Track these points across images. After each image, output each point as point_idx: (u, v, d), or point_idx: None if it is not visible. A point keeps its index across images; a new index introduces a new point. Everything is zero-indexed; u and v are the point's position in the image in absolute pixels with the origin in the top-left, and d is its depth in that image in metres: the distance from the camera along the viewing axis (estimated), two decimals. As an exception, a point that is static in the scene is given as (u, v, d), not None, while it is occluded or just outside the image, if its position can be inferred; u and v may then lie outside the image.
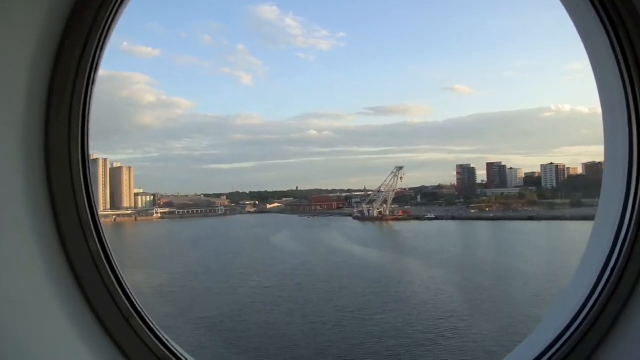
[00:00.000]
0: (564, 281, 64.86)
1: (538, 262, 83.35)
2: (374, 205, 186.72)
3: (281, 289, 65.60)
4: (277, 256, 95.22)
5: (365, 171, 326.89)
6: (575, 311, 3.67)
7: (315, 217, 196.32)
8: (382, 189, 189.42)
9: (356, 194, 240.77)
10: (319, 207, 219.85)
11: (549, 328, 3.95)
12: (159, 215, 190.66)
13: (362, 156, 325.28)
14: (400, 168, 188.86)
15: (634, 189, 3.56)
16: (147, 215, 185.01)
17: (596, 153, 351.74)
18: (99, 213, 3.76)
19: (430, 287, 65.72)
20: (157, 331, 3.74)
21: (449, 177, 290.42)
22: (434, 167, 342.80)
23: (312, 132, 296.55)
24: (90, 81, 3.48)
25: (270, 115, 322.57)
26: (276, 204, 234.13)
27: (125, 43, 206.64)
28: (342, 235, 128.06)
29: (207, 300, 60.23)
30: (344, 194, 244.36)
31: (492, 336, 45.58)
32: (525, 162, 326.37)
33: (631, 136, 3.58)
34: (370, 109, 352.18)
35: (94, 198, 3.62)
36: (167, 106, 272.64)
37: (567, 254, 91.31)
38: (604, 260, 3.65)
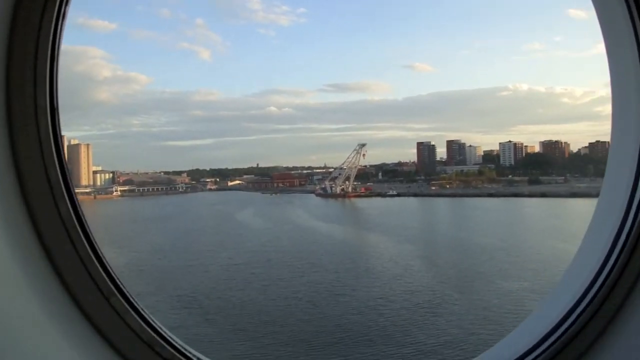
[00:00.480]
0: (527, 255, 67.06)
1: (501, 237, 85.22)
2: (337, 182, 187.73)
3: (253, 266, 65.57)
4: (244, 233, 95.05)
5: (326, 148, 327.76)
6: (573, 303, 3.47)
7: (278, 194, 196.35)
8: (345, 165, 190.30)
9: (317, 171, 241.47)
10: (280, 184, 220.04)
11: (543, 318, 3.73)
12: (119, 193, 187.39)
13: (322, 133, 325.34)
14: (363, 145, 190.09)
15: None
16: (107, 194, 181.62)
17: (552, 131, 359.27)
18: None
19: (400, 263, 66.67)
20: (141, 311, 3.37)
21: (409, 155, 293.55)
22: (393, 145, 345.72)
23: (272, 108, 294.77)
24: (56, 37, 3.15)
25: (230, 91, 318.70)
26: (237, 182, 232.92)
27: (81, 17, 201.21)
28: (306, 212, 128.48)
29: (179, 278, 59.72)
30: (304, 171, 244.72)
31: (465, 309, 46.66)
32: (483, 140, 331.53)
33: None
34: (331, 86, 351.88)
35: (64, 156, 3.22)
36: (123, 81, 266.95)
37: (527, 229, 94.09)
38: (606, 250, 3.44)
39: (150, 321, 3.37)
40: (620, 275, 3.34)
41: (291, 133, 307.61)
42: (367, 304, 48.38)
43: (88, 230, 3.27)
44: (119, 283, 3.34)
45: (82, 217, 3.25)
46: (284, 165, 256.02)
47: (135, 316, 3.30)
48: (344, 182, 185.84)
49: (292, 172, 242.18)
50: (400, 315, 44.83)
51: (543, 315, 3.84)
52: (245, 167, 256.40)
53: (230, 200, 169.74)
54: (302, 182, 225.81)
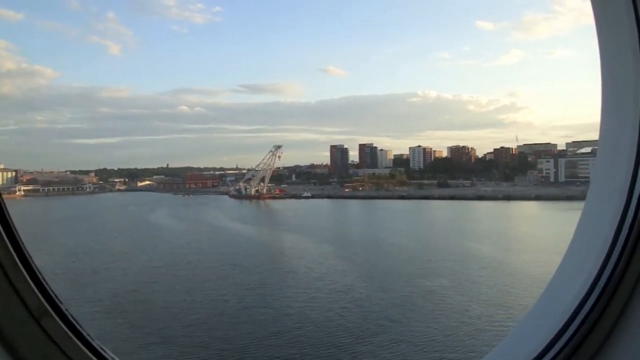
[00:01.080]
0: (443, 254, 69.42)
1: (416, 237, 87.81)
2: (251, 183, 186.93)
3: (174, 268, 64.01)
4: (160, 235, 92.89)
5: (238, 149, 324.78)
6: (565, 320, 3.18)
7: (190, 196, 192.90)
8: (260, 167, 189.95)
9: (229, 172, 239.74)
10: (193, 185, 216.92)
11: (529, 339, 3.45)
12: (22, 193, 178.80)
13: (235, 134, 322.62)
14: (279, 147, 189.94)
15: None
16: (9, 193, 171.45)
17: (459, 137, 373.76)
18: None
19: (323, 263, 67.27)
20: (84, 334, 2.63)
21: (321, 157, 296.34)
22: (306, 147, 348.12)
23: (184, 107, 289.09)
24: None
25: (140, 88, 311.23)
26: (147, 182, 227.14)
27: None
28: (223, 214, 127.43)
29: (97, 282, 57.45)
30: (217, 172, 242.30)
31: (390, 306, 47.68)
32: (393, 144, 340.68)
33: None
34: (244, 87, 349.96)
35: None
36: (28, 75, 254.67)
37: (440, 230, 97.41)
38: (599, 263, 3.17)
39: (97, 347, 2.65)
40: (618, 283, 3.09)
41: (203, 133, 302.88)
42: (294, 304, 48.45)
43: (15, 233, 2.50)
44: (54, 298, 2.58)
45: (7, 214, 2.48)
46: (195, 166, 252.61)
47: (76, 341, 2.57)
48: (258, 183, 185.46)
49: (204, 173, 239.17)
50: (329, 316, 45.22)
51: (532, 329, 3.57)
52: (155, 167, 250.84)
53: (141, 201, 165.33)
54: (215, 183, 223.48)
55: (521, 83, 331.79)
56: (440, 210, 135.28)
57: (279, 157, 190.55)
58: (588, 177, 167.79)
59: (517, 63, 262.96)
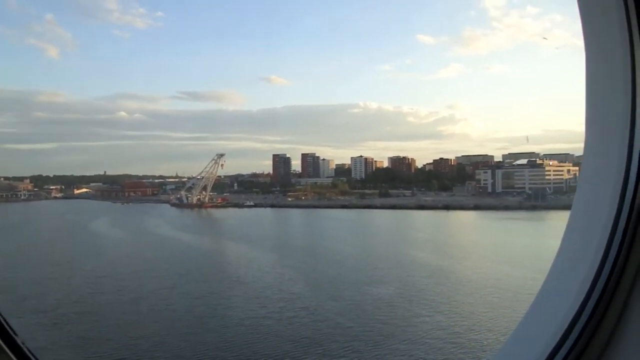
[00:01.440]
0: (389, 262, 70.60)
1: (360, 246, 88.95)
2: (193, 192, 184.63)
3: (118, 278, 62.69)
4: (102, 244, 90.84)
5: (178, 157, 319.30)
6: (566, 325, 3.15)
7: (130, 204, 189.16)
8: (202, 175, 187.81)
9: (169, 180, 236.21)
10: (132, 194, 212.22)
11: (530, 344, 3.45)
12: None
13: (175, 142, 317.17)
14: (222, 155, 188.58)
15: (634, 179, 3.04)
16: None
17: (399, 148, 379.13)
18: None
19: (270, 272, 67.38)
20: (24, 350, 2.38)
21: (263, 166, 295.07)
22: (248, 156, 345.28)
23: (123, 113, 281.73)
24: None
25: (78, 93, 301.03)
26: (85, 189, 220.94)
27: None
28: (165, 223, 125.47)
29: (39, 293, 55.61)
30: (156, 180, 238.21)
31: (341, 313, 48.24)
32: (335, 154, 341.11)
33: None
34: (186, 94, 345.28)
35: None
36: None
37: (384, 238, 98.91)
38: (594, 268, 3.13)
39: None
40: (616, 286, 3.04)
41: (142, 140, 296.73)
42: (244, 314, 48.37)
43: None
44: (8, 331, 2.33)
45: None
46: (134, 174, 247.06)
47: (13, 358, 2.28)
48: (200, 192, 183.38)
49: (143, 180, 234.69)
50: (281, 324, 45.41)
51: (532, 335, 3.53)
52: (93, 174, 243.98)
53: (80, 209, 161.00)
54: (155, 192, 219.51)
55: (460, 96, 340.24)
56: (383, 220, 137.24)
57: (222, 165, 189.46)
58: (524, 188, 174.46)
59: (456, 76, 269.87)
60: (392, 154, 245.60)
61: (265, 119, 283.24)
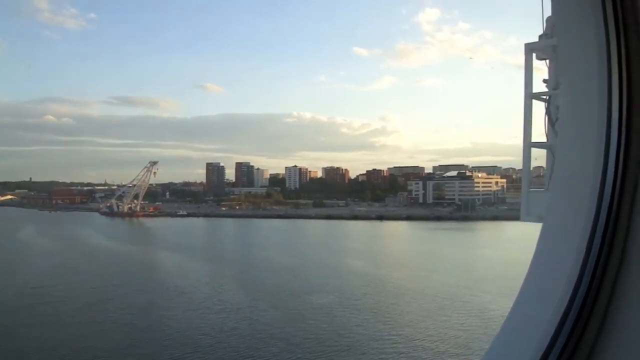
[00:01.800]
0: (327, 272, 71.66)
1: (298, 256, 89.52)
2: (124, 200, 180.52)
3: (53, 289, 60.81)
4: (31, 254, 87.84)
5: (108, 164, 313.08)
6: (549, 339, 3.04)
7: (58, 212, 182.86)
8: (134, 183, 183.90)
9: (99, 188, 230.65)
10: (60, 202, 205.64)
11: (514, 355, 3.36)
12: None
13: (105, 148, 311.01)
14: (155, 163, 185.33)
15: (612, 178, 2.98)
16: None
17: (333, 159, 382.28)
18: None
19: (209, 282, 67.04)
20: None
21: (195, 175, 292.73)
22: (180, 164, 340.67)
23: (50, 117, 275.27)
24: None
25: (3, 95, 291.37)
26: (9, 197, 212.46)
27: None
28: (97, 232, 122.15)
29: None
30: (85, 188, 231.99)
31: (284, 322, 48.69)
32: (268, 163, 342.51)
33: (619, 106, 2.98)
34: (117, 99, 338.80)
35: None
36: None
37: (319, 248, 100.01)
38: (576, 273, 3.02)
39: None
40: (596, 295, 2.93)
41: (71, 146, 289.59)
42: (186, 326, 47.98)
43: None
44: None
45: None
46: (62, 181, 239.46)
47: None
48: (132, 200, 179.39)
49: (72, 188, 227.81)
50: (225, 335, 45.37)
51: (512, 351, 3.40)
52: (17, 180, 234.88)
53: (3, 217, 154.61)
54: (84, 200, 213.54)
55: (392, 108, 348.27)
56: (318, 229, 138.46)
57: (155, 173, 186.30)
58: (454, 199, 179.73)
59: (389, 89, 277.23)
60: (326, 164, 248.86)
61: (199, 127, 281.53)
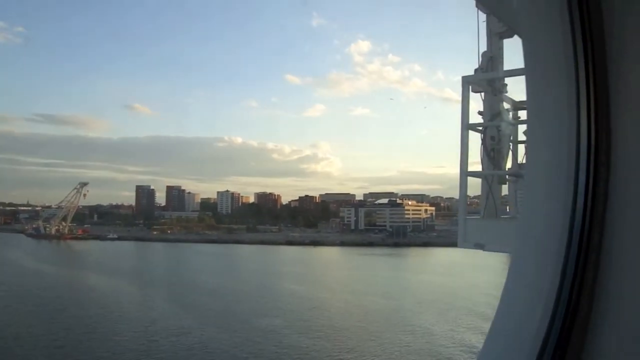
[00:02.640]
0: (270, 296, 72.61)
1: (238, 279, 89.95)
2: (52, 222, 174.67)
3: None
4: None
5: (32, 184, 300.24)
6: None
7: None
8: (63, 204, 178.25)
9: (22, 209, 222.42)
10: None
11: None
12: None
13: (28, 167, 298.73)
14: (85, 184, 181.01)
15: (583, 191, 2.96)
16: None
17: (263, 184, 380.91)
18: None
19: (153, 307, 66.57)
20: None
21: (121, 197, 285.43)
22: (106, 186, 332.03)
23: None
24: None
25: None
26: None
27: None
28: (26, 255, 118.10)
29: None
30: (7, 208, 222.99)
31: (234, 345, 49.31)
32: (198, 187, 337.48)
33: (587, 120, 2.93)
34: (42, 116, 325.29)
35: None
36: None
37: (257, 272, 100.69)
38: (555, 290, 2.99)
39: None
40: (576, 311, 2.93)
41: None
42: (137, 349, 47.87)
43: None
44: None
45: None
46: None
47: None
48: (60, 222, 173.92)
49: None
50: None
51: None
52: None
53: None
54: (8, 221, 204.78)
55: (323, 136, 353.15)
56: (254, 254, 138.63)
57: (84, 195, 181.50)
58: (385, 225, 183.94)
59: (320, 117, 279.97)
60: (256, 189, 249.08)
61: (126, 148, 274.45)
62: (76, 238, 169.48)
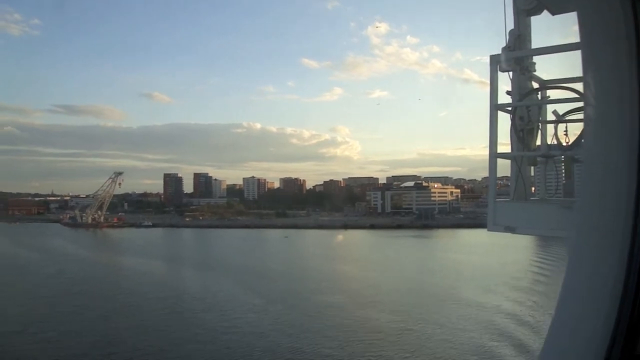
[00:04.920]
0: (327, 276, 74.65)
1: (291, 263, 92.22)
2: (87, 211, 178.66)
3: (76, 298, 59.77)
4: (21, 265, 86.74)
5: (52, 174, 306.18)
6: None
7: (17, 223, 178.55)
8: (99, 193, 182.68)
9: (50, 199, 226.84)
10: (17, 212, 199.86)
11: None
12: None
13: (49, 157, 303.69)
14: (120, 173, 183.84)
15: None
16: None
17: (282, 169, 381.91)
18: None
19: (240, 293, 65.48)
20: None
21: (142, 185, 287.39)
22: (126, 174, 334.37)
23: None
24: None
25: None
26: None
27: None
28: (72, 243, 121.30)
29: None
30: (36, 199, 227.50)
31: (308, 319, 51.08)
32: (217, 173, 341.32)
33: None
34: (61, 107, 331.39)
35: None
36: None
37: (307, 256, 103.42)
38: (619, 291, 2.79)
39: None
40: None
41: (12, 155, 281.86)
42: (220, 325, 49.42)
43: None
44: None
45: None
46: (4, 191, 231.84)
47: None
48: (96, 211, 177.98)
49: (27, 199, 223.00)
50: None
51: None
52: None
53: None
54: (41, 210, 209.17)
55: (341, 120, 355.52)
56: (294, 238, 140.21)
57: (120, 184, 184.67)
58: (410, 208, 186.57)
59: (338, 100, 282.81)
60: (278, 175, 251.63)
61: (145, 136, 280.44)
62: (112, 226, 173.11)
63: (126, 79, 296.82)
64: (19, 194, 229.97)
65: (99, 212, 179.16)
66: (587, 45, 3.18)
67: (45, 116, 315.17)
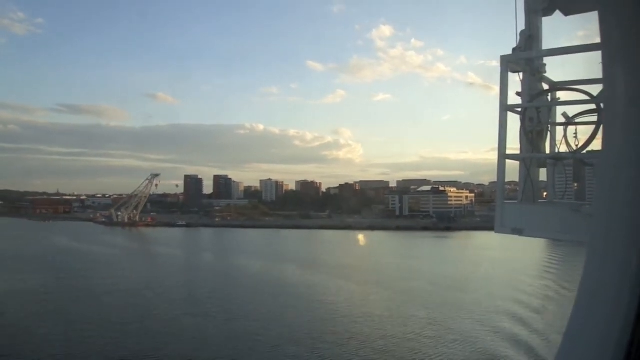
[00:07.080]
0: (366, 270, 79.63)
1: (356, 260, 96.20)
2: (123, 211, 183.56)
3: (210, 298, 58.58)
4: (100, 260, 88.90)
5: (55, 173, 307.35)
6: None
7: (50, 222, 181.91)
8: (136, 193, 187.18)
9: (66, 198, 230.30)
10: (44, 211, 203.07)
11: None
12: None
13: (51, 156, 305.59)
14: (156, 175, 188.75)
15: None
16: None
17: (284, 171, 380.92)
18: None
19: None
20: None
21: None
22: (129, 174, 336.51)
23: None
24: None
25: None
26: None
27: None
28: (133, 242, 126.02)
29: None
30: (58, 198, 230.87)
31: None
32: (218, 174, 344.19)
33: None
34: (65, 106, 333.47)
35: None
36: None
37: (348, 255, 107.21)
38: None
39: None
40: None
41: (15, 154, 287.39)
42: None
43: None
44: None
45: None
46: (15, 189, 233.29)
47: None
48: (132, 211, 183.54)
49: (52, 197, 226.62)
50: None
51: None
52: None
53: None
54: (67, 210, 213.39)
55: (344, 122, 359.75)
56: (328, 237, 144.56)
57: (156, 185, 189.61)
58: (427, 211, 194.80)
59: (341, 103, 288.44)
60: (285, 177, 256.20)
61: (148, 136, 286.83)
62: (147, 225, 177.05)
63: (130, 80, 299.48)
64: (26, 192, 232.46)
65: (134, 212, 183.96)
66: (608, 45, 3.25)
67: (49, 115, 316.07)
